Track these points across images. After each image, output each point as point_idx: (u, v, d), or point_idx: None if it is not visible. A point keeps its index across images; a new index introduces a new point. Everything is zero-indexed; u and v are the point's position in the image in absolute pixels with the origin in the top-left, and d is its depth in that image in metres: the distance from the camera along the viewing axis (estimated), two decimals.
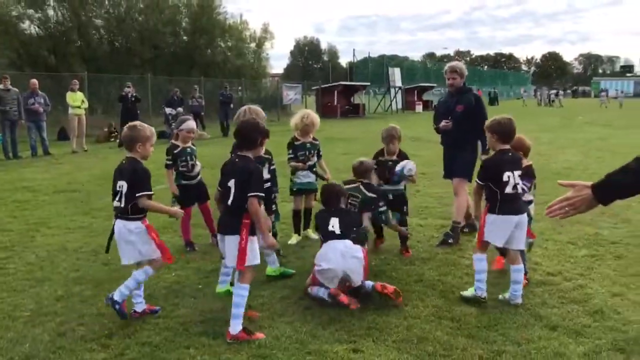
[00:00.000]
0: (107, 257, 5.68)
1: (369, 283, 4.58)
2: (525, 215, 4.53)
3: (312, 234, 6.40)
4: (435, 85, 50.46)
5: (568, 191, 2.32)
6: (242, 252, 3.83)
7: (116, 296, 4.11)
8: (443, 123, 6.36)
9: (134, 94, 18.33)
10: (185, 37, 35.45)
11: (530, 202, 4.98)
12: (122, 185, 4.10)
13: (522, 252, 4.74)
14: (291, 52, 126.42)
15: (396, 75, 41.95)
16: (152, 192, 4.17)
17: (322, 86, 38.48)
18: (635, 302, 4.47)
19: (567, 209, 2.31)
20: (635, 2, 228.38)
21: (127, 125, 4.32)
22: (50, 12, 30.00)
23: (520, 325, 4.08)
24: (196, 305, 4.50)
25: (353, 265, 4.49)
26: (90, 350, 3.74)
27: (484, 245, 4.56)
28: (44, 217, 7.70)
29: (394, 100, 42.47)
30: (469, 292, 4.57)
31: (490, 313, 4.29)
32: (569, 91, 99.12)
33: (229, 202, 3.93)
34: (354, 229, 4.85)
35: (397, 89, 42.37)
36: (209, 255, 5.83)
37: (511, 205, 4.42)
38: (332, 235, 4.69)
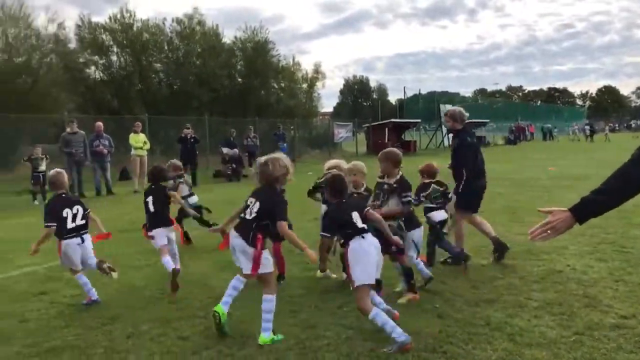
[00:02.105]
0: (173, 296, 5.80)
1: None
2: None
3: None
4: (487, 120, 49.92)
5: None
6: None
7: None
8: (447, 165, 7.47)
9: (193, 136, 18.96)
10: (240, 79, 36.58)
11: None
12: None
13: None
14: (340, 91, 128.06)
15: None
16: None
17: (373, 124, 38.80)
18: None
19: (549, 232, 2.72)
20: None
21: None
22: (114, 58, 31.66)
23: None
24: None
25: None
26: None
27: None
28: (110, 256, 7.94)
29: (446, 136, 42.29)
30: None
31: (564, 357, 4.15)
32: (624, 125, 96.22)
33: None
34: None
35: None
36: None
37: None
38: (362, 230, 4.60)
